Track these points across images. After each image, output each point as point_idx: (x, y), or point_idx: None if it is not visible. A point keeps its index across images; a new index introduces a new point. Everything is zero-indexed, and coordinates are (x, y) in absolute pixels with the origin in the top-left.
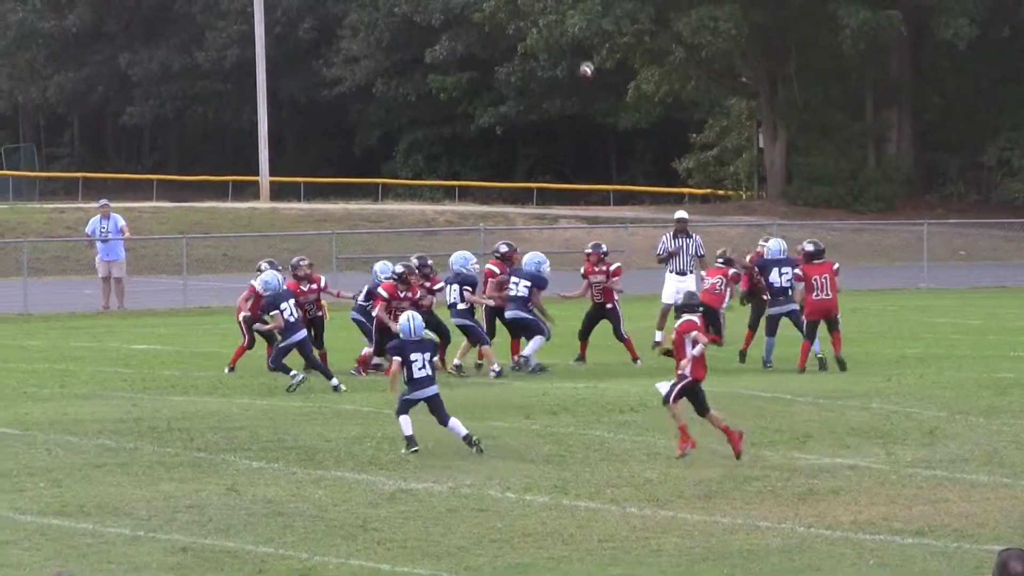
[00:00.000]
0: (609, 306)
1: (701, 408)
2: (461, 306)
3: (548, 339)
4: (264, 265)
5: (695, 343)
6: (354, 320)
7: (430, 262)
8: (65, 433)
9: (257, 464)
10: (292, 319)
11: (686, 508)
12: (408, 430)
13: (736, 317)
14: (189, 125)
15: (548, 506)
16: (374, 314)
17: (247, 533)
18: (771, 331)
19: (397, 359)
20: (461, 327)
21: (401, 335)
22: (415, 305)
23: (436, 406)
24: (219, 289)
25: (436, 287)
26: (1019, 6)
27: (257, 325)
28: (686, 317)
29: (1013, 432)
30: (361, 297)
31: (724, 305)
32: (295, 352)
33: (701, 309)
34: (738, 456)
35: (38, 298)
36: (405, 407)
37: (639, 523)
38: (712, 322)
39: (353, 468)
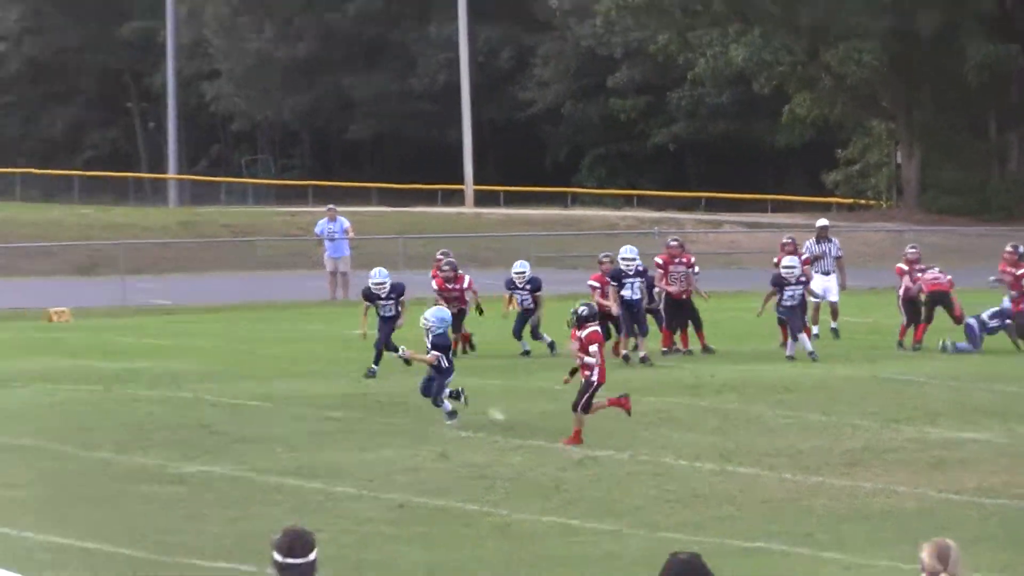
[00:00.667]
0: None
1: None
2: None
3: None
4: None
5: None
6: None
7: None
8: (302, 406)
9: (464, 434)
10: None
11: (833, 474)
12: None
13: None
14: (404, 140)
15: (715, 472)
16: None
17: (456, 492)
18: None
19: (435, 353)
20: (642, 316)
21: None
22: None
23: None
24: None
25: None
26: None
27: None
28: (591, 328)
29: None
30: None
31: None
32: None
33: (597, 320)
34: (629, 412)
35: (274, 289)
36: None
37: (792, 487)
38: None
39: (546, 438)
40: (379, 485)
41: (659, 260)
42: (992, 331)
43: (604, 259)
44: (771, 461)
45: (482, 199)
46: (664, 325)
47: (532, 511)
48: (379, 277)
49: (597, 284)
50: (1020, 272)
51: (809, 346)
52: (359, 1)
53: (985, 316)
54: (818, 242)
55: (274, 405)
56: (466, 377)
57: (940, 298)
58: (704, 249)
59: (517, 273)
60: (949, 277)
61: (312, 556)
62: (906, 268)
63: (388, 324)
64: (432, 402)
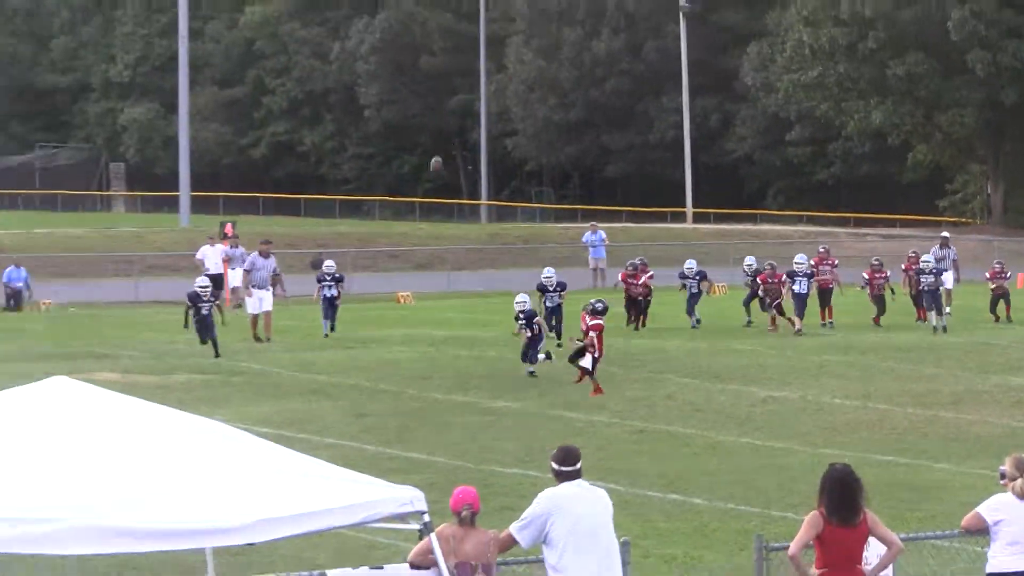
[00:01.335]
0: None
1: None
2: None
3: None
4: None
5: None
6: None
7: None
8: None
9: (685, 380)
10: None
11: (942, 409)
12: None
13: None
14: (644, 177)
15: (858, 407)
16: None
17: (679, 421)
18: None
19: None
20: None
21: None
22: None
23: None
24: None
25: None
26: None
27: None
28: (597, 320)
29: None
30: None
31: None
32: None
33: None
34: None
35: None
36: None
37: (914, 418)
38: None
39: (741, 382)
40: (625, 416)
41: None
42: None
43: (767, 267)
44: (898, 399)
45: (698, 218)
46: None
47: (731, 434)
48: (547, 273)
49: (761, 282)
50: None
51: (935, 321)
52: (613, 81)
53: None
54: (940, 248)
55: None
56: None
57: (1003, 293)
58: (852, 254)
59: (688, 268)
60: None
61: (578, 465)
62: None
63: (554, 313)
64: (525, 359)
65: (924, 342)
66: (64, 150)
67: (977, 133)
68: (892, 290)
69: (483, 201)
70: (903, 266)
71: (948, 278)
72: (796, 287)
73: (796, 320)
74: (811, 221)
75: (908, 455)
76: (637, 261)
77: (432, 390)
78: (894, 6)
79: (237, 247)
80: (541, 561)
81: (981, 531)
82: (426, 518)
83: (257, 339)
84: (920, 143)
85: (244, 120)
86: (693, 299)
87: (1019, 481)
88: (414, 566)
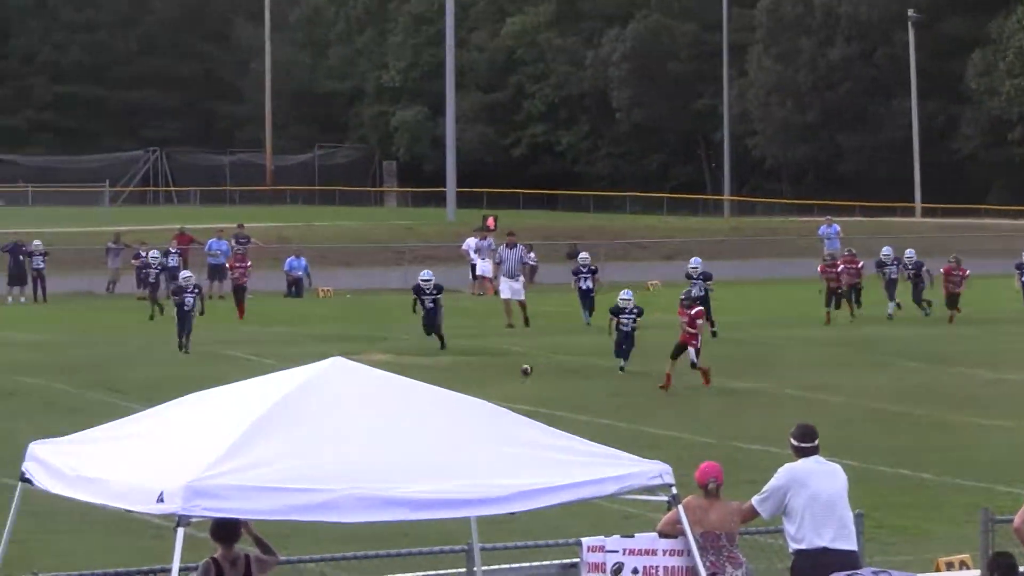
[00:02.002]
0: None
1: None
2: None
3: None
4: None
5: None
6: None
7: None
8: (806, 344)
9: (912, 364)
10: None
11: None
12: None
13: None
14: (874, 174)
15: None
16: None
17: (907, 402)
18: None
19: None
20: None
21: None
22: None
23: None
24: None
25: None
26: None
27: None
28: (699, 307)
29: None
30: None
31: None
32: None
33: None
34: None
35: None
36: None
37: None
38: None
39: (967, 366)
40: (858, 396)
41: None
42: None
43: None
44: None
45: (926, 213)
46: None
47: (959, 414)
48: (694, 263)
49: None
50: None
51: None
52: (846, 85)
53: None
54: None
55: (784, 341)
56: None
57: None
58: None
59: (692, 267)
60: None
61: (816, 442)
62: None
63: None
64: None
65: None
66: (341, 150)
67: None
68: None
69: (725, 196)
70: None
71: None
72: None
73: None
74: (990, 215)
75: None
76: (844, 252)
77: (681, 371)
78: None
79: (486, 239)
80: (781, 531)
81: None
82: (674, 490)
83: (510, 325)
84: None
85: (505, 122)
86: (891, 285)
87: None
88: (663, 535)
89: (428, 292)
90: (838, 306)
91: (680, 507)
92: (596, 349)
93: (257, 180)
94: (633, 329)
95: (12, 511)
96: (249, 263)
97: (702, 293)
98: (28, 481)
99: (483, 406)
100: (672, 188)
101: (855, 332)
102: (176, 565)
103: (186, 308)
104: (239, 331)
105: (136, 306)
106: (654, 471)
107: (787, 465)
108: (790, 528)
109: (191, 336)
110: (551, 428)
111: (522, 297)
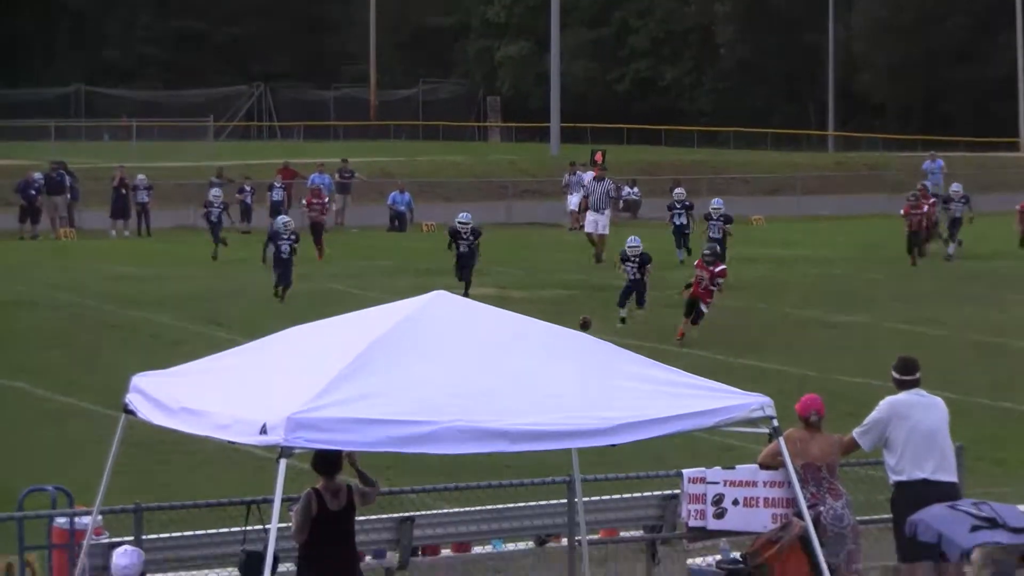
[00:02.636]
0: None
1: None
2: None
3: None
4: None
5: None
6: None
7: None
8: (910, 275)
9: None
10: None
11: None
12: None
13: None
14: (979, 112)
15: None
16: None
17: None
18: None
19: None
20: None
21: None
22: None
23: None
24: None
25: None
26: None
27: None
28: (723, 266)
29: None
30: None
31: None
32: None
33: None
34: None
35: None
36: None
37: None
38: None
39: None
40: (960, 330)
41: None
42: None
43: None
44: None
45: None
46: None
47: None
48: (678, 193)
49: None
50: None
51: None
52: (951, 21)
53: None
54: None
55: (885, 275)
56: None
57: None
58: None
59: (714, 207)
60: None
61: (917, 375)
62: None
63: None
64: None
65: None
66: (445, 85)
67: None
68: None
69: (829, 132)
70: None
71: None
72: None
73: None
74: None
75: None
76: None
77: (782, 304)
78: None
79: (575, 173)
80: (882, 463)
81: None
82: (775, 423)
83: (598, 259)
84: None
85: (609, 58)
86: (955, 224)
87: None
88: (764, 467)
89: (465, 236)
90: (921, 251)
91: (781, 439)
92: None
93: (361, 115)
94: (640, 277)
95: (115, 442)
96: (327, 199)
97: (719, 236)
98: (132, 413)
99: (584, 339)
100: (776, 124)
101: (956, 265)
102: (278, 496)
103: (283, 255)
104: (342, 264)
105: (238, 240)
106: (755, 403)
107: (888, 398)
108: (891, 460)
109: (288, 290)
110: (652, 361)
111: (605, 231)
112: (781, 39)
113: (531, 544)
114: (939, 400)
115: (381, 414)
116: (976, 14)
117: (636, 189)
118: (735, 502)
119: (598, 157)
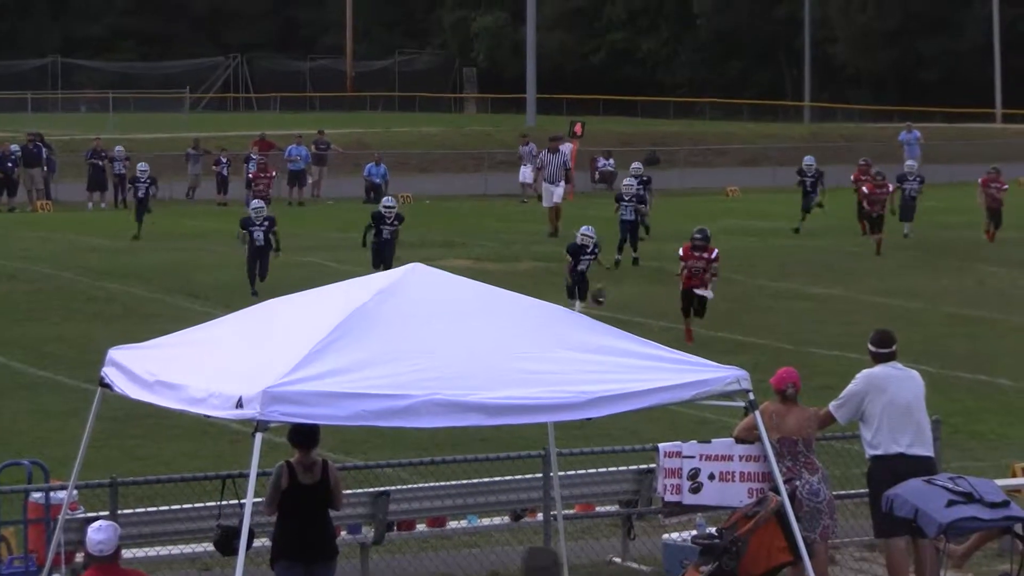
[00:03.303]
0: None
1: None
2: None
3: None
4: None
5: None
6: None
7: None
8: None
9: (992, 268)
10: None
11: None
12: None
13: None
14: (949, 79)
15: None
16: None
17: (988, 307)
18: None
19: None
20: None
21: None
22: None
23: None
24: None
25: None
26: None
27: None
28: (715, 249)
29: None
30: None
31: None
32: None
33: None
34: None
35: None
36: None
37: None
38: None
39: None
40: (937, 302)
41: None
42: None
43: None
44: None
45: (1006, 119)
46: None
47: None
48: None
49: None
50: None
51: None
52: None
53: None
54: None
55: (861, 246)
56: None
57: None
58: None
59: (807, 164)
60: None
61: (894, 347)
62: None
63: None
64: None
65: None
66: (421, 56)
67: None
68: None
69: (806, 103)
70: None
71: None
72: None
73: None
74: None
75: None
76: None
77: (757, 277)
78: None
79: (527, 144)
80: (858, 437)
81: None
82: (751, 396)
83: (553, 233)
84: None
85: (585, 28)
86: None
87: None
88: (740, 440)
89: (389, 221)
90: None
91: (757, 413)
92: (659, 255)
93: (337, 86)
94: (588, 267)
95: (91, 416)
96: (274, 173)
97: (641, 192)
98: (107, 386)
99: (559, 312)
100: (752, 95)
101: (932, 237)
102: (254, 470)
103: (257, 244)
104: (319, 237)
105: (216, 212)
106: (731, 376)
107: (865, 371)
108: (867, 434)
109: (266, 279)
110: (628, 334)
111: (559, 200)
112: (757, 9)
113: (507, 519)
114: (915, 373)
115: (358, 388)
116: None
117: (612, 161)
118: (711, 476)
119: (577, 128)
